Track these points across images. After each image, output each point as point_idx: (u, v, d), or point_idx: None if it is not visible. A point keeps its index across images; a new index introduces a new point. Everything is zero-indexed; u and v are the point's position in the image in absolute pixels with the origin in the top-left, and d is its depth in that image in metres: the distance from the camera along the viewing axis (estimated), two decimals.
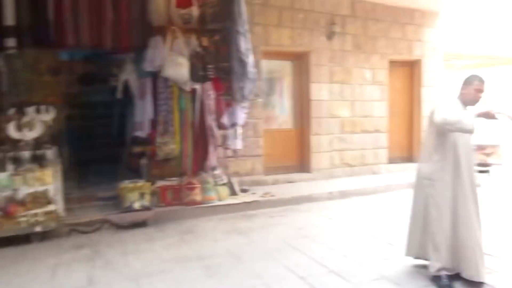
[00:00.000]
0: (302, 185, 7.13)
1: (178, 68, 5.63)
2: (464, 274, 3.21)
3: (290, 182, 7.28)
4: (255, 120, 6.97)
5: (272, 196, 6.26)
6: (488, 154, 3.26)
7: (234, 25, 5.24)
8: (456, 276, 3.24)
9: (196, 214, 5.51)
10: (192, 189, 5.70)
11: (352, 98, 7.92)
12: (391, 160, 8.45)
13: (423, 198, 3.37)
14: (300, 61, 7.62)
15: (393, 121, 8.49)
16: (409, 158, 8.67)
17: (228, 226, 5.09)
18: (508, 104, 12.12)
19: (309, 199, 6.36)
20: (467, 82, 3.24)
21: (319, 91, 7.55)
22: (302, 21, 7.30)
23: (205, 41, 5.84)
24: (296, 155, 7.70)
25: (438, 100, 3.30)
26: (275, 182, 7.15)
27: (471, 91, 3.20)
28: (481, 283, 3.15)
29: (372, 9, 7.93)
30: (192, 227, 5.08)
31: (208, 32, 5.74)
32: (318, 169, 7.60)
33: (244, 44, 5.31)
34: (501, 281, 3.29)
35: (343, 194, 6.69)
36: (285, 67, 7.70)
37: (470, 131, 3.07)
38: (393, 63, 8.40)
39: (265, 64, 7.28)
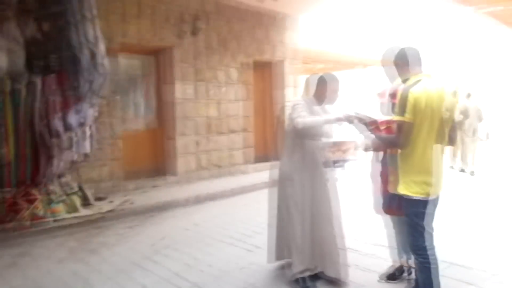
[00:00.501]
0: (167, 189, 6.66)
1: (10, 57, 4.67)
2: (326, 272, 3.22)
3: (154, 187, 6.75)
4: (111, 120, 6.26)
5: (132, 203, 5.68)
6: (344, 151, 3.33)
7: (80, 9, 4.51)
8: (320, 275, 3.23)
9: (37, 232, 4.61)
10: (31, 201, 4.78)
11: (218, 98, 7.75)
12: (258, 159, 8.55)
13: (284, 199, 3.28)
14: (163, 57, 7.13)
15: (258, 120, 8.60)
16: (275, 156, 8.87)
17: (77, 243, 4.37)
18: (362, 105, 13.57)
19: (174, 204, 5.94)
20: (322, 81, 3.24)
21: (184, 90, 7.18)
22: (165, 13, 6.83)
23: (45, 26, 4.96)
24: (160, 157, 7.20)
25: (294, 100, 3.25)
26: (137, 188, 6.54)
27: (326, 90, 3.22)
28: (342, 281, 3.18)
29: (236, 8, 7.88)
30: (30, 248, 4.21)
31: (48, 15, 4.86)
32: (184, 172, 7.22)
33: (93, 31, 4.63)
34: (364, 277, 3.37)
35: (211, 197, 6.44)
36: (146, 63, 7.12)
37: (326, 135, 3.11)
38: (258, 64, 8.50)
39: (124, 58, 6.61)
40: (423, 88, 2.48)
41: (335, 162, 3.35)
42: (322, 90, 3.24)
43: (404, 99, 2.47)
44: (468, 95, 8.84)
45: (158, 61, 7.15)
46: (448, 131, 2.63)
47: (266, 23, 8.54)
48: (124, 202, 5.65)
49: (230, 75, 7.92)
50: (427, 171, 2.52)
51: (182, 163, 7.21)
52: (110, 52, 5.33)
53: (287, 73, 9.16)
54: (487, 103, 10.48)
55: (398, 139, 2.53)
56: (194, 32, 7.21)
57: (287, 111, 3.35)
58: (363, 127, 2.83)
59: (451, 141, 2.74)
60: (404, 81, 2.66)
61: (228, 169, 7.92)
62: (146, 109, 7.12)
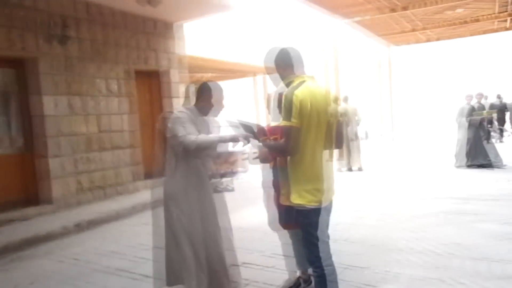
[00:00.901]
0: (40, 221, 5.75)
1: None
2: None
3: (24, 220, 5.77)
4: None
5: None
6: (231, 163, 3.11)
7: None
8: None
9: None
10: None
11: (97, 112, 7.02)
12: (149, 176, 7.97)
13: (170, 221, 2.94)
14: (26, 69, 6.19)
15: (146, 134, 8.03)
16: (159, 173, 8.38)
17: None
18: (252, 114, 13.72)
19: (48, 238, 5.13)
20: (206, 90, 2.98)
21: (56, 104, 6.33)
22: (24, 20, 5.94)
23: None
24: (30, 183, 6.22)
25: (175, 111, 2.94)
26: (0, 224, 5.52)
27: (211, 100, 2.97)
28: None
29: (111, 14, 7.26)
30: None
31: None
32: (61, 198, 6.35)
33: None
34: None
35: (94, 223, 5.74)
36: (5, 76, 6.10)
37: (209, 153, 2.88)
38: (140, 73, 7.96)
39: None
40: (308, 89, 2.37)
41: (222, 175, 3.13)
42: (205, 99, 2.98)
43: (289, 102, 2.32)
44: (346, 98, 9.45)
45: (20, 74, 6.19)
46: (335, 134, 2.57)
47: (147, 30, 8.04)
48: None
49: (109, 86, 7.24)
50: (317, 177, 2.41)
51: (58, 187, 6.33)
52: None
53: (175, 83, 8.77)
54: (361, 105, 11.42)
55: (286, 146, 2.38)
56: (63, 41, 6.42)
57: (168, 122, 3.01)
58: (251, 136, 2.64)
59: (339, 144, 2.69)
60: (288, 84, 2.52)
61: (115, 189, 7.22)
62: (6, 128, 6.09)
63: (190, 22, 9.24)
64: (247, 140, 2.73)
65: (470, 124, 8.60)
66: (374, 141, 19.91)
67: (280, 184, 2.87)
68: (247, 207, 6.05)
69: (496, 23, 13.65)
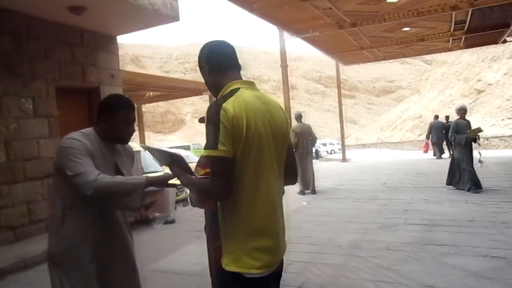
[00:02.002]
0: None
1: None
2: None
3: None
4: None
5: None
6: (147, 205, 2.25)
7: None
8: None
9: None
10: None
11: (6, 137, 5.85)
12: None
13: None
14: None
15: None
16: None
17: None
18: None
19: None
20: (111, 109, 2.13)
21: None
22: None
23: None
24: None
25: (63, 140, 2.06)
26: None
27: (117, 122, 2.12)
28: None
29: (26, 22, 6.19)
30: None
31: None
32: None
33: None
34: None
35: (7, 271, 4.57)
36: None
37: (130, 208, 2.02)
38: (63, 91, 6.87)
39: None
40: (244, 101, 1.61)
41: (135, 222, 2.27)
42: (109, 119, 2.13)
43: (214, 121, 1.55)
44: (299, 116, 8.88)
45: None
46: (288, 163, 1.83)
47: (71, 41, 7.01)
48: None
49: (21, 106, 6.11)
50: (264, 230, 1.63)
51: None
52: None
53: None
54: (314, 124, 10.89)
55: (213, 186, 1.59)
56: None
57: (55, 155, 2.13)
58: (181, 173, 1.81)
59: (293, 177, 1.93)
60: (217, 94, 1.75)
61: (28, 230, 6.01)
62: None
63: (126, 35, 8.35)
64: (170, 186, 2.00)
65: (466, 142, 7.55)
66: (326, 161, 19.68)
67: (214, 233, 2.06)
68: (188, 243, 5.17)
69: (451, 41, 13.85)
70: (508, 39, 14.04)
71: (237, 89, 1.67)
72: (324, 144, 32.01)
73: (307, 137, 8.60)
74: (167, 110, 57.13)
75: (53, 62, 6.65)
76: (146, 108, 49.33)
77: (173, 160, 1.77)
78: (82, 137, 2.06)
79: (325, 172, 12.70)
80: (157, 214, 2.21)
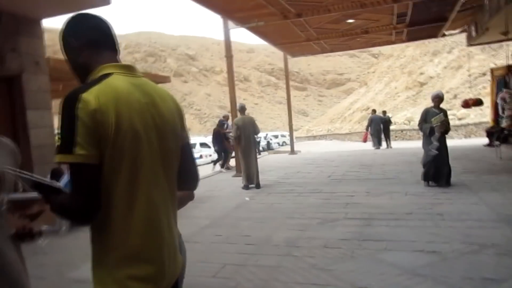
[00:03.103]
0: None
1: None
2: None
3: None
4: None
5: None
6: (33, 216, 1.82)
7: None
8: None
9: None
10: None
11: None
12: None
13: None
14: None
15: None
16: None
17: None
18: None
19: None
20: None
21: None
22: None
23: None
24: None
25: None
26: None
27: None
28: None
29: None
30: None
31: None
32: None
33: None
34: None
35: None
36: None
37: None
38: None
39: None
40: (113, 89, 1.26)
41: (17, 236, 1.83)
42: None
43: (69, 116, 1.19)
44: (242, 109, 8.61)
45: None
46: (182, 167, 1.51)
47: None
48: None
49: None
50: (140, 254, 1.29)
51: None
52: None
53: (31, 91, 7.02)
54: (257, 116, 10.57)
55: (70, 203, 1.23)
56: None
57: None
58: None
59: (189, 179, 1.62)
60: (85, 79, 1.39)
61: None
62: None
63: (51, 18, 7.59)
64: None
65: (431, 132, 6.91)
66: (275, 154, 19.65)
67: None
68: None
69: (394, 34, 14.09)
70: (447, 33, 14.57)
71: (109, 74, 1.31)
72: (276, 136, 32.12)
73: (249, 129, 8.35)
74: None
75: None
76: None
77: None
78: None
79: (272, 165, 12.57)
80: (44, 227, 1.79)
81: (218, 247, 4.50)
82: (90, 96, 1.20)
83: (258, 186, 8.38)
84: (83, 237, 5.00)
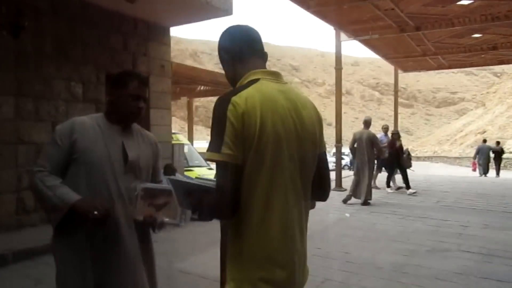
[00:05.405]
0: None
1: None
2: None
3: None
4: None
5: None
6: (159, 206, 1.96)
7: None
8: None
9: None
10: None
11: (54, 119, 5.96)
12: None
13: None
14: None
15: None
16: None
17: None
18: None
19: None
20: (120, 81, 1.92)
21: None
22: None
23: None
24: None
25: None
26: None
27: (125, 94, 1.88)
28: None
29: (81, 7, 6.28)
30: None
31: None
32: None
33: None
34: None
35: (27, 255, 4.60)
36: None
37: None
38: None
39: None
40: (261, 94, 1.30)
41: (144, 222, 1.97)
42: (117, 93, 1.89)
43: (219, 117, 1.26)
44: (365, 122, 8.41)
45: None
46: (317, 177, 1.49)
47: (124, 30, 7.06)
48: None
49: (72, 89, 6.21)
50: (274, 258, 1.30)
51: None
52: None
53: (156, 92, 7.74)
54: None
55: (216, 200, 1.29)
56: (15, 32, 5.41)
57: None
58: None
59: (321, 188, 1.58)
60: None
61: None
62: None
63: (186, 30, 8.32)
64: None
65: None
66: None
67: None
68: (216, 245, 4.92)
69: None
70: None
71: (257, 80, 1.36)
72: None
73: (366, 144, 8.09)
74: None
75: (105, 49, 6.72)
76: (200, 102, 50.40)
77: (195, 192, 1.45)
78: (81, 118, 1.89)
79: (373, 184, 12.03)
80: (166, 219, 1.93)
81: (318, 260, 4.41)
82: (240, 100, 1.26)
83: (365, 203, 8.07)
84: (191, 231, 5.33)
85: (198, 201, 1.34)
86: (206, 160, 1.41)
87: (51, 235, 1.93)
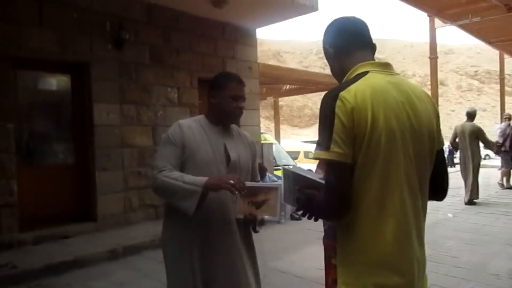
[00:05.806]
0: (78, 241, 5.18)
1: None
2: None
3: (64, 237, 5.26)
4: (1, 155, 4.86)
5: (14, 267, 4.19)
6: (259, 204, 1.97)
7: None
8: None
9: None
10: None
11: (153, 123, 6.40)
12: None
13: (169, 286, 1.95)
14: (78, 75, 5.78)
15: None
16: None
17: None
18: None
19: (77, 264, 4.48)
20: (220, 83, 1.97)
21: (106, 114, 5.81)
22: (77, 21, 5.54)
23: None
24: (74, 199, 5.73)
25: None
26: (37, 241, 5.04)
27: (226, 95, 1.94)
28: None
29: (174, 17, 6.65)
30: None
31: None
32: (108, 216, 5.77)
33: None
34: None
35: (135, 250, 5.00)
36: (56, 82, 5.77)
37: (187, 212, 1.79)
38: (204, 82, 7.23)
39: (26, 76, 5.30)
40: (372, 87, 1.21)
41: (245, 220, 1.98)
42: (218, 95, 1.96)
43: (326, 113, 1.19)
44: (469, 114, 7.60)
45: (73, 80, 5.80)
46: (434, 170, 1.36)
47: (213, 35, 7.32)
48: (2, 266, 4.16)
49: (168, 95, 6.61)
50: (389, 262, 1.20)
51: (104, 205, 5.76)
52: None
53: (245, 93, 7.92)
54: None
55: (325, 200, 1.22)
56: (118, 44, 5.91)
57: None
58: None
59: (440, 188, 1.43)
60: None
61: None
62: (55, 139, 5.72)
63: (268, 31, 8.41)
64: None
65: None
66: (481, 168, 17.08)
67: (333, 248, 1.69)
68: (311, 244, 4.85)
69: None
70: None
71: (365, 72, 1.27)
72: None
73: (469, 138, 7.38)
74: (304, 104, 57.76)
75: (196, 55, 7.03)
76: (284, 101, 50.69)
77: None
78: (186, 121, 1.98)
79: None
80: (266, 217, 1.91)
81: None
82: (348, 95, 1.18)
83: (470, 202, 7.38)
84: (284, 230, 5.31)
85: (308, 198, 1.28)
86: (314, 159, 1.35)
87: (160, 231, 2.04)
